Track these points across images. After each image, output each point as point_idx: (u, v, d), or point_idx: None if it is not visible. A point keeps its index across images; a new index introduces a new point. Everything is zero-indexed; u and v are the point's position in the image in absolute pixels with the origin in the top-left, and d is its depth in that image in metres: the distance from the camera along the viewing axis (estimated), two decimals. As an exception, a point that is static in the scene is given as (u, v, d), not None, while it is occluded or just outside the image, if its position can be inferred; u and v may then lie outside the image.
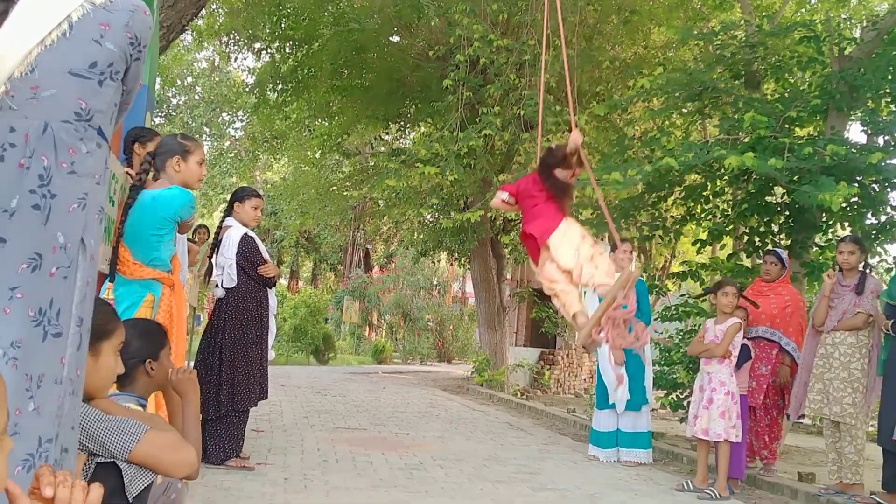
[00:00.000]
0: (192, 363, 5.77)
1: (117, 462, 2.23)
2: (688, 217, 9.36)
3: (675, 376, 8.79)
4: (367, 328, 26.66)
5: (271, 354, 6.11)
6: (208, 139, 25.76)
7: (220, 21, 14.69)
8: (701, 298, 8.98)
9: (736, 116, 8.06)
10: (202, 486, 4.99)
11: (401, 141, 19.21)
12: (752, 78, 9.18)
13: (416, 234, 17.54)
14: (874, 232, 8.05)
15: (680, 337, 9.10)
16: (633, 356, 7.36)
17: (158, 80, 17.78)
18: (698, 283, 9.51)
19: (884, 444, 5.80)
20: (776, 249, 7.52)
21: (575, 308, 3.97)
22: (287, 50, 14.40)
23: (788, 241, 8.39)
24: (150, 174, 4.07)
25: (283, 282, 30.76)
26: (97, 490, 1.20)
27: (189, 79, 25.45)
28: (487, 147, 11.71)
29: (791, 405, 6.68)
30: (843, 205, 7.40)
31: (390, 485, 5.57)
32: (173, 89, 25.06)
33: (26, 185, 1.80)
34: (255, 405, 5.95)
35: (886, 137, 8.08)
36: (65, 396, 1.83)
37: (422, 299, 24.82)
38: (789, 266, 7.26)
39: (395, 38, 13.93)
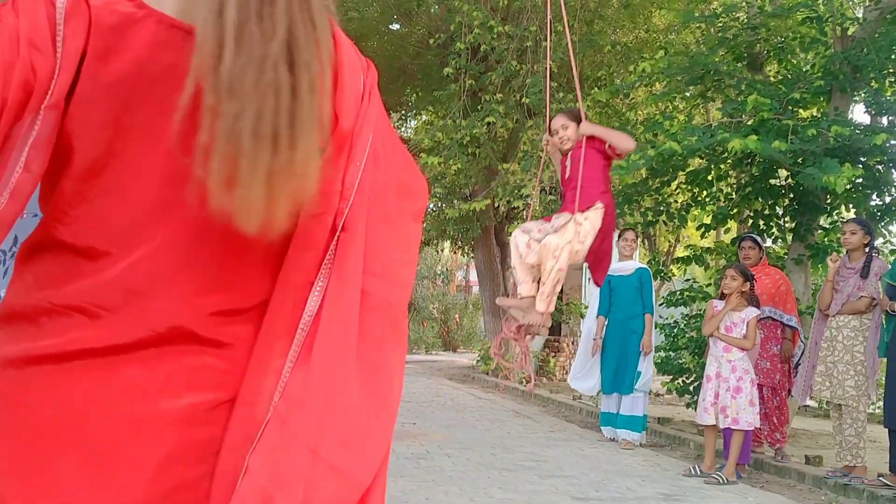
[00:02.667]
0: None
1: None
2: (692, 203, 9.31)
3: (680, 361, 8.78)
4: (372, 318, 26.66)
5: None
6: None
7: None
8: (707, 285, 9.00)
9: (739, 99, 8.02)
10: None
11: (402, 129, 19.16)
12: (754, 60, 9.12)
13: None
14: (879, 213, 8.01)
15: (685, 322, 9.07)
16: (636, 342, 7.48)
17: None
18: (703, 267, 9.48)
19: (890, 425, 5.79)
20: (751, 234, 7.52)
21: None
22: (287, 40, 14.34)
23: (793, 224, 8.35)
24: None
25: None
26: None
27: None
28: (491, 135, 11.67)
29: (797, 387, 6.67)
30: (848, 186, 7.35)
31: (397, 474, 5.56)
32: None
33: None
34: None
35: (891, 118, 8.04)
36: None
37: (426, 288, 24.80)
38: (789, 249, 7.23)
39: (395, 26, 13.87)
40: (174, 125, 0.94)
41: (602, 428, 8.00)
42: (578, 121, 4.21)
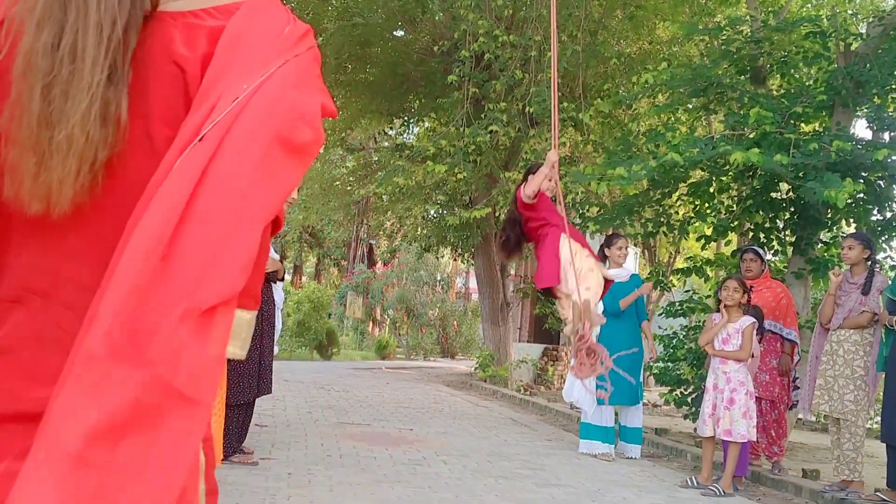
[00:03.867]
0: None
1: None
2: (693, 215, 9.31)
3: (679, 372, 8.78)
4: (371, 323, 26.67)
5: (275, 349, 6.09)
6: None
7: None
8: (707, 296, 9.00)
9: (741, 112, 8.04)
10: (206, 480, 4.98)
11: (405, 136, 19.21)
12: (757, 73, 9.15)
13: (419, 229, 17.53)
14: (879, 229, 8.03)
15: (684, 333, 9.09)
16: (638, 353, 7.42)
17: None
18: (703, 279, 9.49)
19: (888, 440, 5.79)
20: (753, 247, 7.51)
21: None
22: (291, 44, 14.35)
23: (793, 238, 8.37)
24: None
25: (286, 277, 30.71)
26: None
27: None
28: (493, 143, 11.70)
29: (802, 402, 6.68)
30: (849, 201, 7.37)
31: (394, 480, 5.56)
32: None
33: None
34: (252, 399, 5.87)
35: (892, 133, 8.05)
36: None
37: (425, 295, 24.81)
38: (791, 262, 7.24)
39: (400, 33, 13.91)
40: None
41: (585, 442, 7.43)
42: None
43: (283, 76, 1.02)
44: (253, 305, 1.08)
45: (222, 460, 5.56)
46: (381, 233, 28.26)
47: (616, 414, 7.61)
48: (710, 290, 10.08)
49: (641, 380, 7.56)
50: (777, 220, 8.64)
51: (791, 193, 8.22)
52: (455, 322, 24.58)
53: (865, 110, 8.16)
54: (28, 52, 0.95)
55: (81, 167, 0.96)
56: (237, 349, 1.08)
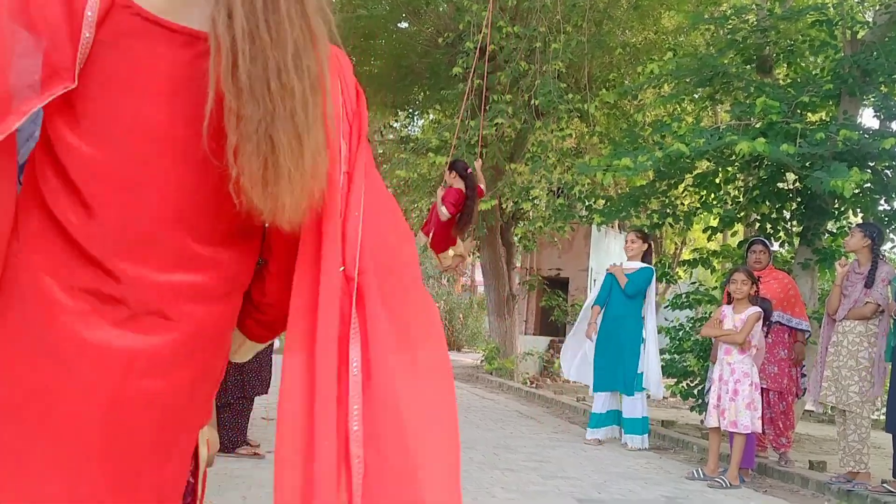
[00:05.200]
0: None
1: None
2: (699, 206, 9.27)
3: (685, 364, 8.76)
4: (377, 316, 26.68)
5: (276, 343, 6.07)
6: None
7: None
8: (713, 288, 8.96)
9: (747, 102, 7.99)
10: (212, 473, 4.98)
11: (409, 128, 19.17)
12: (763, 62, 9.09)
13: (424, 221, 17.49)
14: (886, 218, 7.97)
15: (690, 325, 9.06)
16: (631, 342, 7.45)
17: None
18: (709, 270, 9.45)
19: (894, 431, 5.76)
20: (760, 238, 7.49)
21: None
22: (295, 37, 14.32)
23: (800, 228, 8.33)
24: None
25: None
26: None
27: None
28: (498, 135, 11.66)
29: (811, 393, 6.65)
30: (856, 191, 7.33)
31: (399, 473, 5.55)
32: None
33: None
34: (266, 392, 5.89)
35: (900, 122, 8.00)
36: None
37: (431, 287, 24.79)
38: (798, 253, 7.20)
39: (404, 25, 13.86)
40: (178, 123, 1.00)
41: (589, 430, 7.70)
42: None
43: (373, 200, 1.14)
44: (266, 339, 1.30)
45: (228, 453, 5.57)
46: (387, 225, 28.23)
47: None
48: (716, 281, 10.04)
49: (643, 371, 7.55)
50: (784, 211, 8.60)
51: (798, 183, 8.17)
52: (461, 315, 24.57)
53: (872, 99, 8.10)
54: (279, 69, 0.97)
55: (312, 191, 1.02)
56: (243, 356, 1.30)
